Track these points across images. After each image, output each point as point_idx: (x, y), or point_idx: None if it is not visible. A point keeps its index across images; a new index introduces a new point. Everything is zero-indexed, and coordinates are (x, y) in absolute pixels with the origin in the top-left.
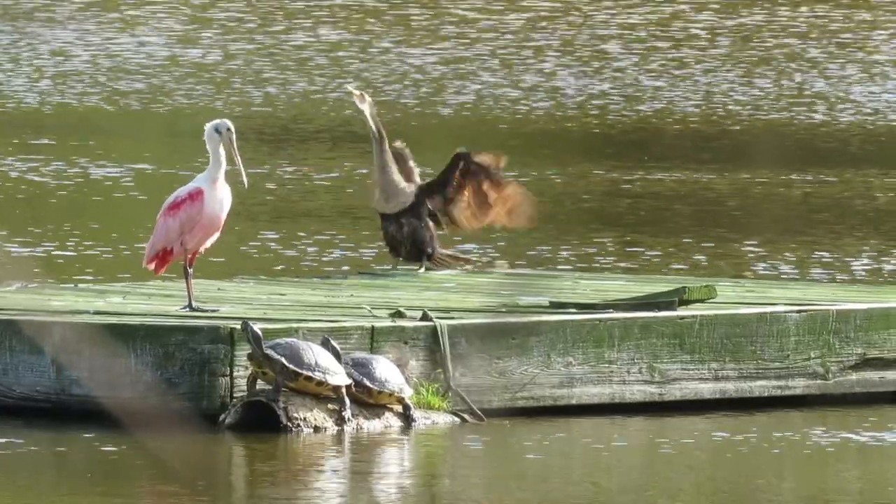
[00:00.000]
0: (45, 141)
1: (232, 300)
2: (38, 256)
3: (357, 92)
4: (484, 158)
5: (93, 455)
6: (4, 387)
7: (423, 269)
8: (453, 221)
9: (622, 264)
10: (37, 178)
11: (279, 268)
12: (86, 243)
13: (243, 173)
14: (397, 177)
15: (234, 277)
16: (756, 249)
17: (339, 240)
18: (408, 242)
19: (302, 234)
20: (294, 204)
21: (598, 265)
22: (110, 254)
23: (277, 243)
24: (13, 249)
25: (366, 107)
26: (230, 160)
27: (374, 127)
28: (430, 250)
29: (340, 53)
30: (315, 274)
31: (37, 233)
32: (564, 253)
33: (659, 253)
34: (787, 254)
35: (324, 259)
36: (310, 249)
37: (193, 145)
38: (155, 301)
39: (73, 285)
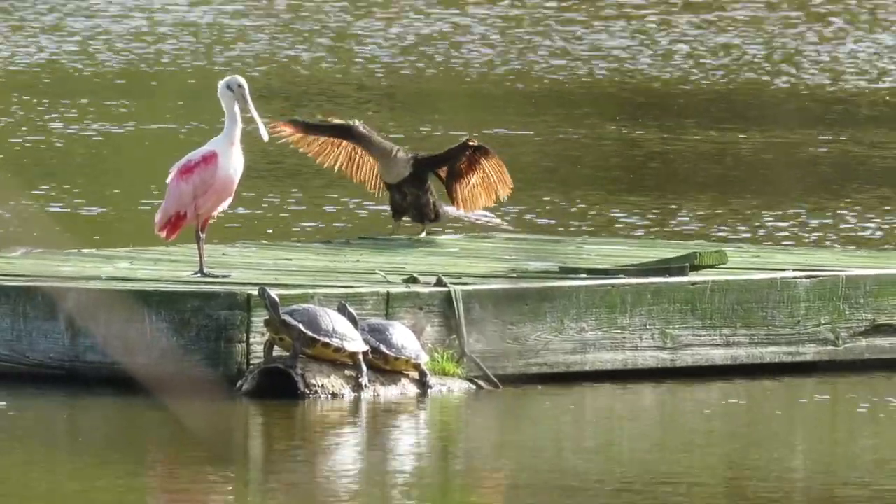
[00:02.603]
0: (47, 102)
1: (239, 266)
2: (37, 220)
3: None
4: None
5: (108, 422)
6: (18, 353)
7: (424, 234)
8: (453, 196)
9: (621, 228)
10: (33, 141)
11: (269, 231)
12: (86, 207)
13: (260, 126)
14: (389, 147)
15: (236, 242)
16: (756, 213)
17: (337, 203)
18: (412, 209)
19: (294, 197)
20: (290, 166)
21: (594, 229)
22: (109, 218)
23: (270, 207)
24: (15, 212)
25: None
26: (246, 116)
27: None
28: (433, 215)
29: (356, 15)
30: (316, 238)
31: (37, 195)
32: (565, 216)
33: (659, 217)
34: (787, 217)
35: (319, 223)
36: (304, 212)
37: (191, 107)
38: (162, 266)
39: (76, 251)
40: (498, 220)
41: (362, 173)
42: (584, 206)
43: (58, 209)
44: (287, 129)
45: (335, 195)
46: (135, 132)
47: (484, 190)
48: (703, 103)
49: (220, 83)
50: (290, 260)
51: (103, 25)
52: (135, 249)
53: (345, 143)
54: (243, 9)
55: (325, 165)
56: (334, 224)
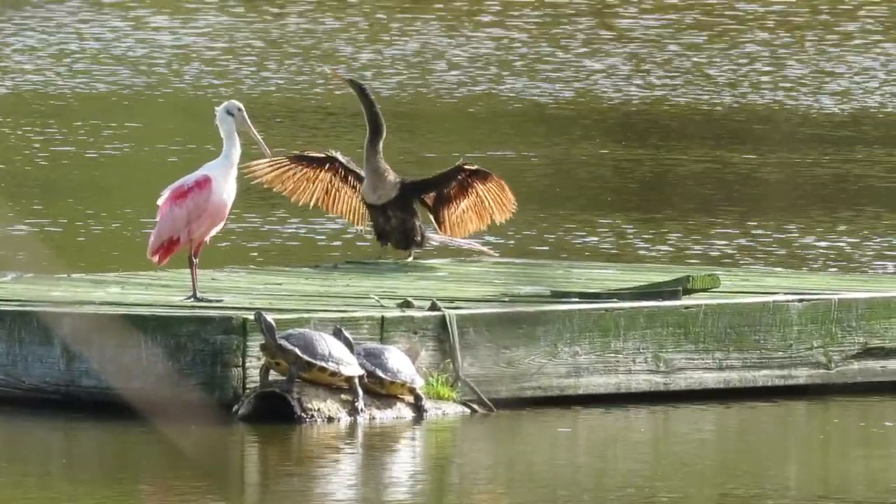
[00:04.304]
0: (34, 125)
1: (230, 290)
2: (26, 244)
3: (342, 75)
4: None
5: (103, 447)
6: (13, 378)
7: (411, 258)
8: (440, 222)
9: (610, 251)
10: (19, 164)
11: (254, 255)
12: (74, 231)
13: (264, 146)
14: (383, 167)
15: (224, 267)
16: (746, 236)
17: (321, 228)
18: (396, 233)
19: (276, 221)
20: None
21: (583, 252)
22: (97, 242)
23: (252, 231)
24: (4, 236)
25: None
26: (247, 138)
27: (367, 115)
28: (418, 239)
29: (343, 37)
30: (304, 263)
31: (25, 219)
32: (553, 240)
33: (648, 240)
34: (777, 239)
35: (302, 247)
36: (288, 237)
37: (181, 131)
38: (154, 291)
39: (66, 275)
40: (482, 247)
41: (340, 206)
42: (572, 228)
43: (46, 233)
44: (266, 167)
45: (319, 219)
46: (123, 156)
47: (476, 214)
48: (693, 125)
49: (219, 109)
50: (280, 284)
51: (93, 48)
52: (124, 274)
53: (321, 175)
54: (236, 34)
55: (301, 202)
56: (317, 247)
